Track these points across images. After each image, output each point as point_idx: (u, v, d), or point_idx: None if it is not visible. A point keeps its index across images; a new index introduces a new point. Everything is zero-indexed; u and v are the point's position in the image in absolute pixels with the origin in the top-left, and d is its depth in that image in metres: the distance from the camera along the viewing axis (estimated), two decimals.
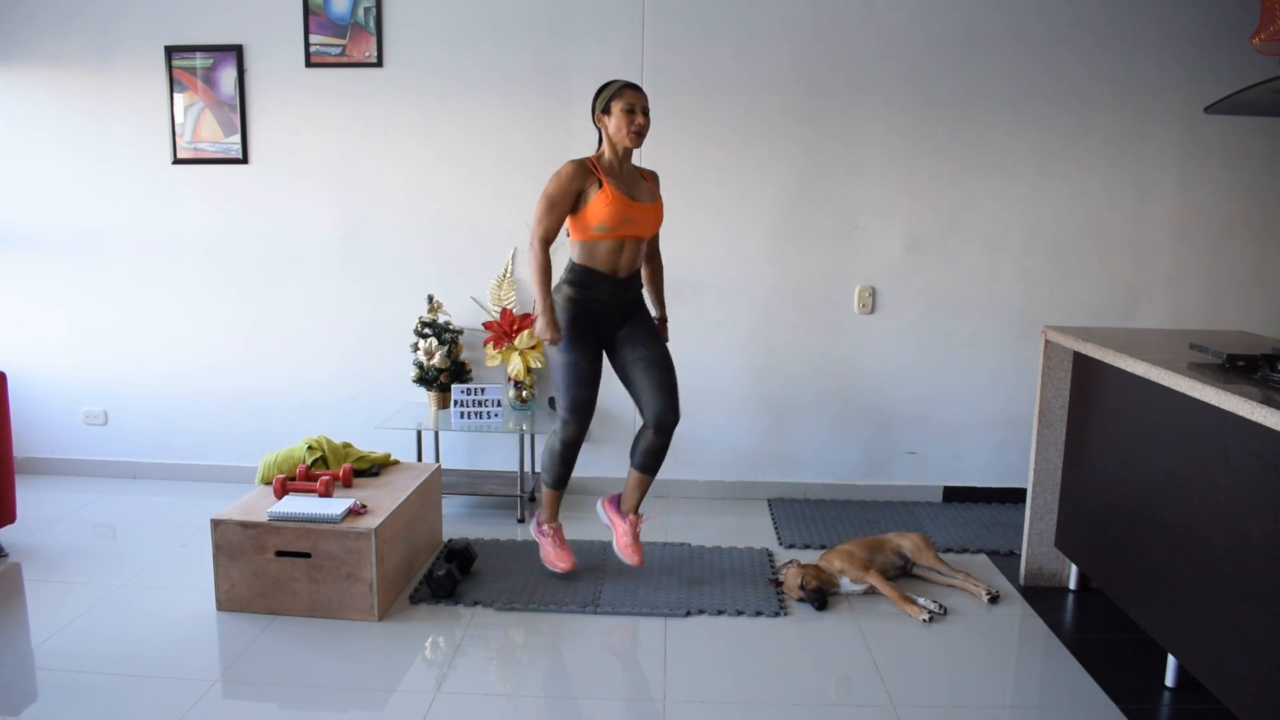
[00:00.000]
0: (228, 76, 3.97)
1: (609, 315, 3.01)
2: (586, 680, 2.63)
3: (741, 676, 2.61)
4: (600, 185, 2.88)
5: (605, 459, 4.11)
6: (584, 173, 2.90)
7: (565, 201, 2.90)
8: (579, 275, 2.97)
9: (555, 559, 3.17)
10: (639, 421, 3.12)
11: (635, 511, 3.16)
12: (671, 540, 3.59)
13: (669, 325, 3.32)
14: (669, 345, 3.18)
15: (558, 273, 3.04)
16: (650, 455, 3.07)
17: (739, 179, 3.94)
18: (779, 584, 3.15)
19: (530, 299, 4.00)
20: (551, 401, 4.05)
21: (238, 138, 4.00)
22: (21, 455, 4.26)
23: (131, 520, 3.79)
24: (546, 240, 2.92)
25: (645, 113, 2.92)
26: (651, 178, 3.10)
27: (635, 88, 2.93)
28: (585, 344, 2.98)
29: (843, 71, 3.85)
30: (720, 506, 4.03)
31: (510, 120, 3.94)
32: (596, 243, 2.93)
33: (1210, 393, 2.14)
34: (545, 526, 3.22)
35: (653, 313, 3.22)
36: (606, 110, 2.92)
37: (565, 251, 3.04)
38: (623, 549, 3.14)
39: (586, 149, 3.85)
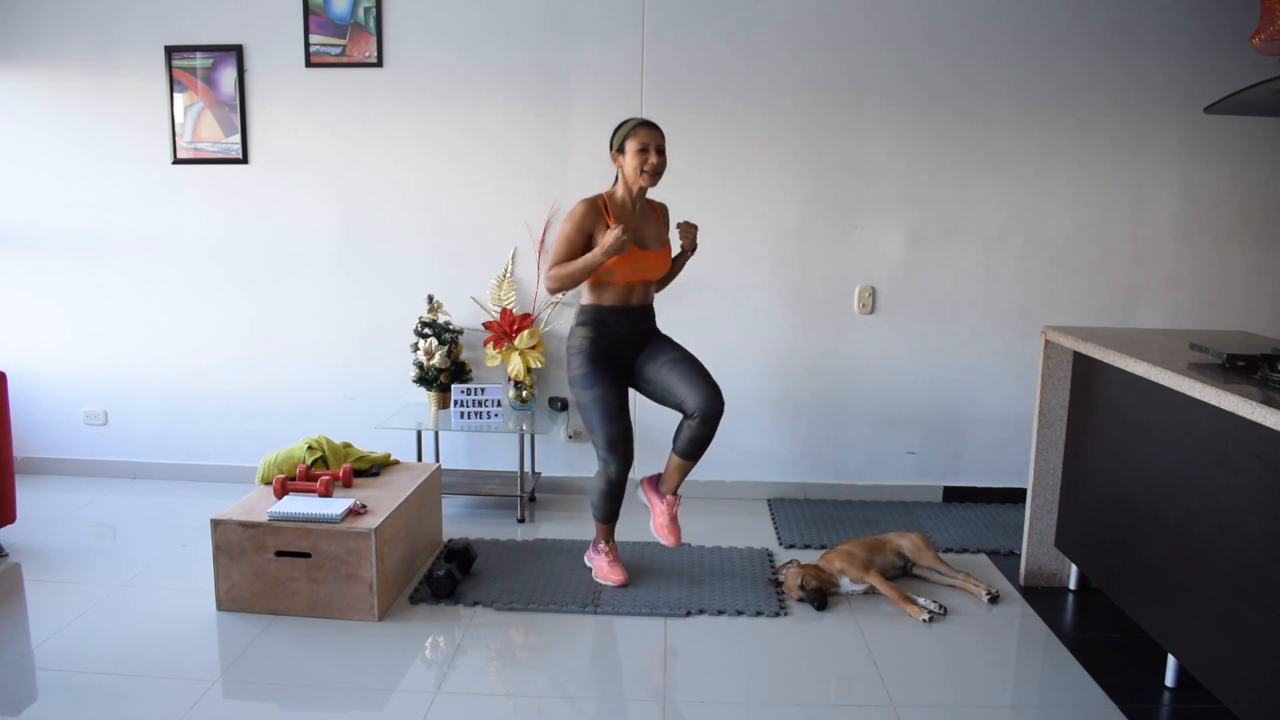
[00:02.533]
0: (228, 76, 3.97)
1: (628, 344, 3.02)
2: (586, 680, 2.63)
3: (741, 676, 2.61)
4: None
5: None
6: (595, 214, 2.90)
7: (579, 240, 2.90)
8: (592, 315, 2.98)
9: (609, 574, 3.16)
10: (666, 443, 3.11)
11: (674, 493, 3.15)
12: None
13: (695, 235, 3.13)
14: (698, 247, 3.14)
15: (561, 314, 3.01)
16: (695, 444, 2.99)
17: (739, 178, 3.94)
18: (779, 584, 3.15)
19: (530, 300, 4.01)
20: (552, 401, 4.05)
21: (238, 138, 4.00)
22: (21, 455, 4.26)
23: (131, 520, 3.79)
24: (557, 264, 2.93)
25: (660, 151, 2.92)
26: (661, 213, 3.10)
27: (650, 126, 2.92)
28: (607, 377, 2.97)
29: (843, 71, 3.86)
30: (720, 506, 4.03)
31: (511, 119, 3.94)
32: (605, 285, 2.95)
33: (1210, 393, 2.14)
34: (602, 545, 3.22)
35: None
36: (621, 149, 2.92)
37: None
38: (659, 529, 3.14)
39: (586, 149, 3.87)
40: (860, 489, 4.12)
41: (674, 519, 3.13)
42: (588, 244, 2.91)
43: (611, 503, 3.10)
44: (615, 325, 2.99)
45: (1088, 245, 3.94)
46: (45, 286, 4.19)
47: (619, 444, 2.97)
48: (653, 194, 3.16)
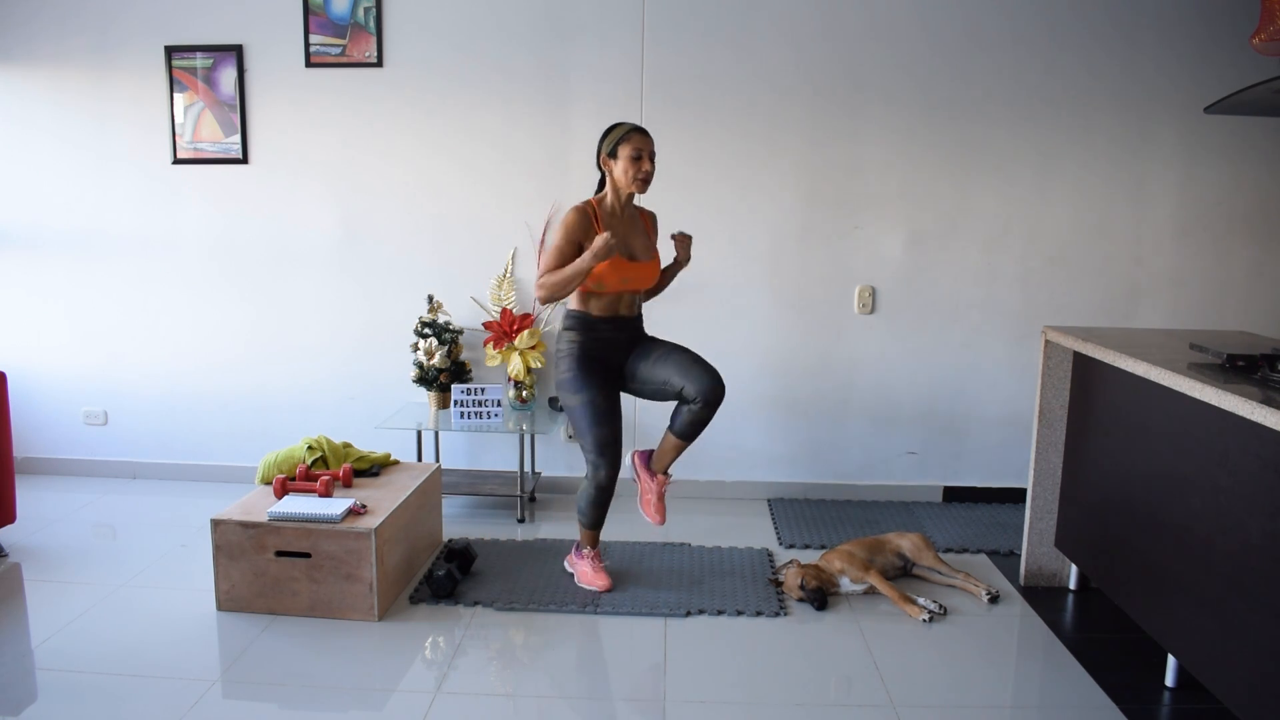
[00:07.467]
0: (228, 76, 3.97)
1: (616, 348, 3.00)
2: (586, 680, 2.64)
3: (741, 676, 2.61)
4: None
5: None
6: (586, 223, 2.88)
7: (570, 250, 2.88)
8: (579, 321, 2.97)
9: (594, 579, 3.12)
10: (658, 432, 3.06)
11: (665, 472, 3.14)
12: (671, 540, 3.59)
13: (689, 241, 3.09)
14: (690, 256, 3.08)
15: (559, 316, 2.95)
16: (694, 426, 2.97)
17: (739, 179, 3.94)
18: (779, 584, 3.15)
19: (530, 300, 4.01)
20: (552, 401, 4.05)
21: (238, 138, 4.00)
22: (21, 455, 4.26)
23: (131, 520, 3.79)
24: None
25: (652, 158, 2.91)
26: (650, 221, 3.08)
27: (642, 132, 2.91)
28: (596, 380, 2.95)
29: (843, 71, 3.86)
30: (720, 506, 4.03)
31: (510, 119, 3.94)
32: (594, 295, 2.94)
33: (1210, 393, 2.14)
34: (585, 550, 3.17)
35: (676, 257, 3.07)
36: (613, 154, 2.90)
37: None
38: (646, 505, 3.14)
39: (586, 149, 3.86)
40: (860, 489, 4.12)
41: (662, 497, 3.13)
42: (578, 253, 2.88)
43: (599, 509, 3.07)
44: (603, 330, 2.98)
45: (1088, 245, 3.94)
46: (45, 286, 4.19)
47: (609, 446, 2.96)
48: (643, 201, 3.13)
